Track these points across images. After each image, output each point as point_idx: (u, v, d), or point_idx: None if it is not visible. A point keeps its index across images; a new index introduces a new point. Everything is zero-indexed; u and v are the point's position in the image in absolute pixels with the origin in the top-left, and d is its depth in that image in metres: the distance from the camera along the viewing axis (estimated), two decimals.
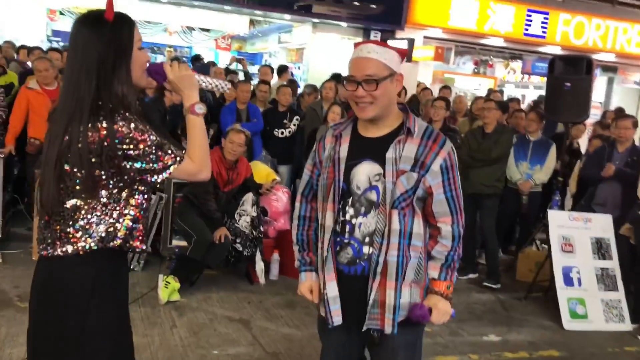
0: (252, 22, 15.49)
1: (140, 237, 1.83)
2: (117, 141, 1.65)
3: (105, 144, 1.65)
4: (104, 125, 1.65)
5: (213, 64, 10.37)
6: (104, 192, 1.72)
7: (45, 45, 11.32)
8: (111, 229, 1.75)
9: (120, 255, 1.83)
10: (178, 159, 1.76)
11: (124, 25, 1.75)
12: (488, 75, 14.53)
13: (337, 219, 2.03)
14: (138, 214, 1.81)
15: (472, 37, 11.52)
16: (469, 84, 13.87)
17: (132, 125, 1.68)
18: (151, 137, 1.71)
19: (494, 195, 5.58)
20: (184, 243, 4.81)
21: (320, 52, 10.79)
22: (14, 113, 5.46)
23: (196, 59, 9.67)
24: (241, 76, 9.04)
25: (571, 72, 5.59)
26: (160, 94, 5.59)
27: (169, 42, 17.64)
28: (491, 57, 13.52)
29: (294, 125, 6.40)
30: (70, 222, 1.71)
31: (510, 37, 11.52)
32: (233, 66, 11.41)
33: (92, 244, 1.72)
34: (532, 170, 5.99)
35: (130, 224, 1.79)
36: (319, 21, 10.33)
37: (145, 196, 1.83)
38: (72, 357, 1.72)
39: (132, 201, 1.79)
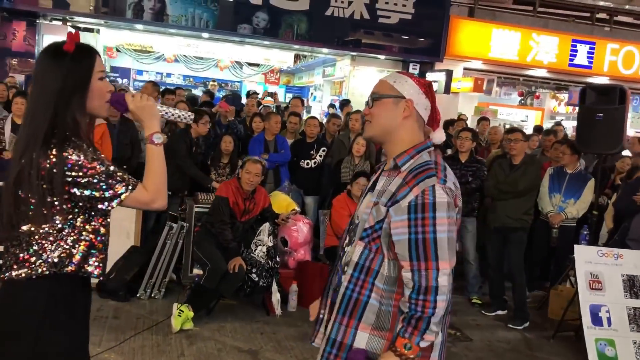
0: (297, 57, 15.83)
1: (97, 263, 1.86)
2: (65, 168, 1.70)
3: (54, 171, 1.70)
4: (54, 152, 1.70)
5: (254, 92, 10.59)
6: (58, 218, 1.76)
7: None
8: (65, 254, 1.78)
9: (76, 282, 1.84)
10: (130, 187, 1.79)
11: (84, 56, 1.82)
12: (535, 107, 14.20)
13: (342, 245, 2.05)
14: (95, 240, 1.84)
15: (514, 68, 11.33)
16: (515, 116, 13.59)
17: (82, 153, 1.73)
18: (101, 165, 1.75)
19: (522, 229, 5.38)
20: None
21: (359, 85, 10.85)
22: None
23: (249, 95, 9.92)
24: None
25: (604, 102, 5.40)
26: (188, 126, 5.75)
27: (220, 77, 18.22)
28: (535, 88, 13.23)
29: (320, 156, 6.42)
30: (25, 247, 1.76)
31: (555, 67, 11.26)
32: (267, 99, 11.61)
33: (45, 270, 1.76)
34: (565, 203, 5.79)
35: (86, 250, 1.82)
36: (357, 54, 10.42)
37: (103, 222, 1.87)
38: None
39: (89, 227, 1.83)
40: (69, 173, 1.71)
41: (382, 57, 10.68)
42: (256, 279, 4.76)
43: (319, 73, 15.83)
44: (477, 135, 6.19)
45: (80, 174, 1.72)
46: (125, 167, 6.12)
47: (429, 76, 10.38)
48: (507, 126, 9.50)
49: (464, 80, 10.67)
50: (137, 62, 17.83)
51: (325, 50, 10.66)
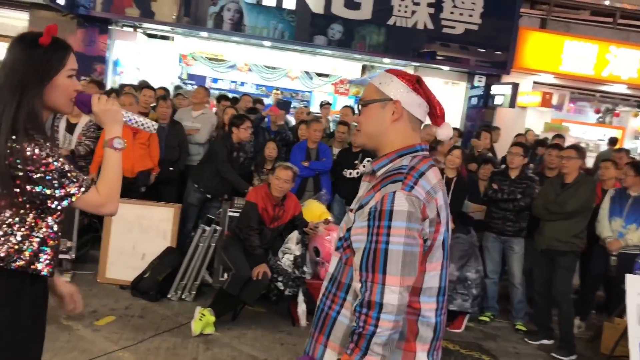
0: (365, 68, 15.72)
1: (48, 261, 1.81)
2: (18, 161, 1.67)
3: (7, 162, 1.67)
4: (9, 144, 1.67)
5: (327, 103, 10.56)
6: (8, 212, 1.73)
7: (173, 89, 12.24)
8: (13, 250, 1.75)
9: (24, 278, 1.80)
10: (82, 189, 1.75)
11: (56, 51, 1.79)
12: (614, 126, 13.30)
13: None
14: (47, 237, 1.80)
15: (588, 83, 10.65)
16: (591, 134, 12.79)
17: (38, 148, 1.69)
18: (56, 163, 1.71)
19: (571, 252, 4.99)
20: None
21: None
22: (100, 144, 5.91)
23: (322, 106, 9.91)
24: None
25: None
26: (229, 131, 5.77)
27: (291, 87, 18.44)
28: (614, 105, 12.39)
29: (364, 166, 6.26)
30: None
31: (635, 83, 10.48)
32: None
33: None
34: (626, 229, 5.32)
35: (37, 247, 1.78)
36: (419, 65, 10.16)
37: (57, 220, 1.83)
38: None
39: (42, 224, 1.79)
40: (22, 166, 1.67)
41: (445, 68, 10.37)
42: (282, 288, 4.67)
43: None
44: (527, 151, 5.82)
45: (33, 168, 1.68)
46: (172, 168, 6.26)
47: (494, 89, 9.95)
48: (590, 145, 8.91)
49: (532, 94, 10.14)
50: (213, 70, 18.35)
51: (386, 60, 10.47)
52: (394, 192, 1.61)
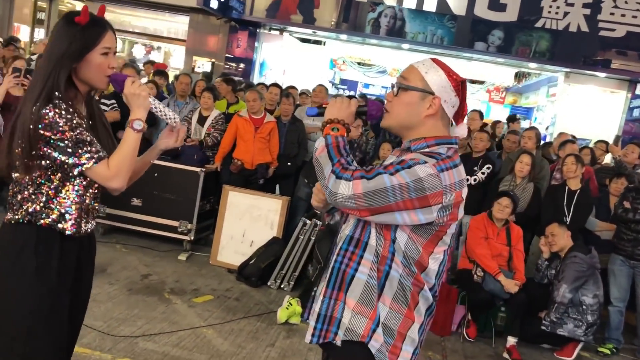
0: (518, 75, 14.86)
1: (72, 221, 1.97)
2: (40, 126, 1.84)
3: (31, 126, 1.85)
4: (34, 110, 1.86)
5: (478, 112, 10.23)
6: (37, 172, 1.91)
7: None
8: (40, 208, 1.92)
9: (53, 235, 1.95)
10: (93, 160, 1.87)
11: (93, 29, 1.94)
12: None
13: (340, 225, 2.02)
14: (72, 201, 1.97)
15: None
16: None
17: (58, 115, 1.84)
18: (72, 131, 1.85)
19: None
20: None
21: (570, 105, 9.75)
22: (225, 136, 6.30)
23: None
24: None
25: None
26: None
27: None
28: None
29: (483, 173, 5.93)
30: (12, 194, 1.97)
31: None
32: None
33: (23, 218, 1.92)
34: None
35: (63, 208, 1.95)
36: (570, 70, 9.37)
37: (83, 184, 1.98)
38: (2, 307, 1.95)
39: (68, 187, 1.95)
40: (42, 132, 1.84)
41: (601, 75, 9.44)
42: None
43: (544, 93, 14.65)
44: None
45: (51, 134, 1.84)
46: (289, 164, 6.47)
47: None
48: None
49: None
50: (364, 75, 18.61)
51: (532, 65, 9.83)
52: (426, 162, 1.68)
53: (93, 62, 1.94)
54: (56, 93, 1.89)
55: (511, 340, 4.58)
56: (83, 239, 2.08)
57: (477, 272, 4.76)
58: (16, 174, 1.95)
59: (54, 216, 1.95)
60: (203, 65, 10.47)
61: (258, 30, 10.59)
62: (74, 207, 1.98)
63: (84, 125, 1.92)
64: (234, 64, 10.22)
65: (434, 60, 1.83)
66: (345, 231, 1.86)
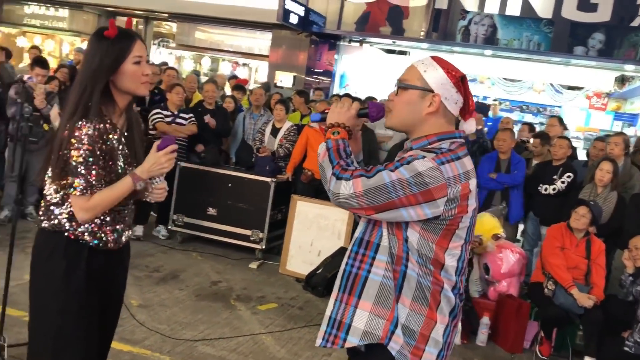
0: (619, 79, 13.90)
1: (97, 234, 2.07)
2: (70, 137, 1.95)
3: (65, 137, 1.96)
4: (69, 124, 1.97)
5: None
6: (65, 180, 2.00)
7: None
8: (65, 219, 2.03)
9: (80, 246, 2.05)
10: (80, 188, 1.96)
11: (123, 41, 2.04)
12: None
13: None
14: None
15: None
16: None
17: (86, 134, 1.95)
18: (89, 155, 1.95)
19: None
20: None
21: None
22: (296, 147, 6.40)
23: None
24: None
25: None
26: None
27: (536, 101, 17.31)
28: None
29: (563, 182, 5.60)
30: (44, 202, 2.10)
31: None
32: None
33: (49, 226, 2.05)
34: None
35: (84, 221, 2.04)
36: None
37: None
38: (32, 305, 2.10)
39: None
40: (68, 144, 1.95)
41: None
42: None
43: None
44: None
45: (72, 147, 1.95)
46: None
47: None
48: None
49: None
50: None
51: (628, 67, 9.16)
52: (424, 156, 1.68)
53: (127, 72, 2.04)
54: (88, 109, 1.98)
55: None
56: (112, 251, 2.17)
57: (549, 285, 4.48)
58: (48, 182, 2.08)
59: (74, 228, 2.04)
60: (283, 80, 10.72)
61: (338, 43, 10.70)
62: (97, 221, 2.06)
63: (103, 153, 2.01)
64: (314, 77, 10.37)
65: (434, 58, 1.81)
66: (356, 234, 1.86)
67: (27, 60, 10.40)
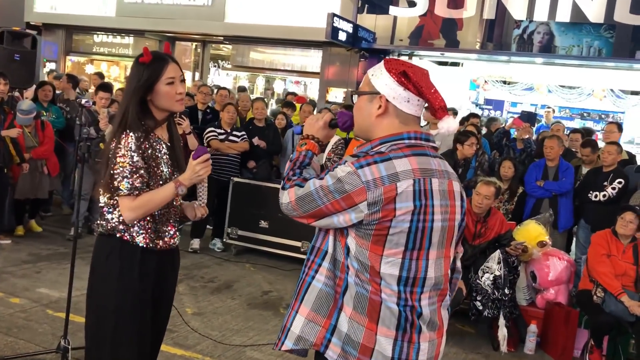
0: None
1: (143, 235, 2.28)
2: (118, 147, 2.20)
3: (112, 148, 2.23)
4: (115, 136, 2.24)
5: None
6: (114, 188, 2.24)
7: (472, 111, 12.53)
8: (116, 222, 2.26)
9: (133, 248, 2.27)
10: (126, 189, 2.18)
11: (157, 64, 2.28)
12: None
13: None
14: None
15: None
16: None
17: (129, 143, 2.19)
18: (133, 160, 2.18)
19: None
20: None
21: None
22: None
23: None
24: None
25: None
26: (454, 147, 5.77)
27: (598, 108, 16.81)
28: None
29: (614, 188, 5.50)
30: (100, 210, 2.35)
31: None
32: None
33: (103, 230, 2.29)
34: None
35: (133, 223, 2.26)
36: None
37: None
38: (90, 304, 2.34)
39: None
40: (114, 155, 2.20)
41: None
42: (480, 308, 4.49)
43: None
44: None
45: (117, 157, 2.19)
46: None
47: None
48: None
49: None
50: (510, 94, 17.93)
51: None
52: (345, 161, 1.70)
53: (161, 91, 2.28)
54: (129, 124, 2.23)
55: None
56: (163, 252, 2.38)
57: (597, 292, 4.42)
58: (102, 192, 2.32)
59: (125, 230, 2.27)
60: (337, 96, 10.94)
61: (386, 57, 10.83)
62: (141, 222, 2.28)
63: (147, 159, 2.24)
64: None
65: (385, 61, 1.80)
66: (312, 243, 1.87)
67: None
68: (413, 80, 1.72)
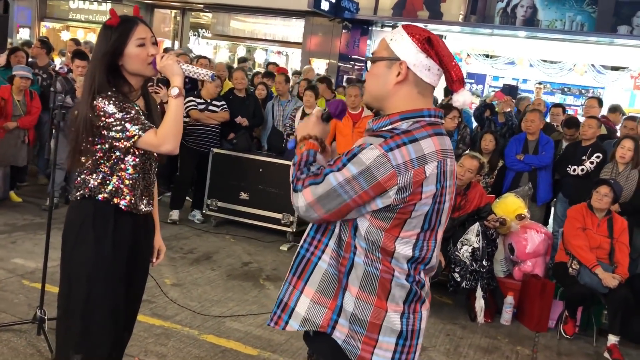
0: None
1: (127, 197, 2.25)
2: (95, 114, 2.14)
3: (89, 115, 2.17)
4: (89, 101, 2.17)
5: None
6: (98, 155, 2.22)
7: None
8: (98, 183, 2.23)
9: (109, 209, 2.25)
10: (141, 132, 2.14)
11: (124, 26, 2.20)
12: None
13: None
14: (124, 177, 2.25)
15: None
16: None
17: (108, 102, 2.14)
18: (121, 112, 2.13)
19: None
20: None
21: None
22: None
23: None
24: None
25: None
26: None
27: (579, 83, 16.91)
28: None
29: (592, 163, 5.55)
30: (78, 175, 2.30)
31: None
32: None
33: (84, 194, 2.25)
34: None
35: (117, 183, 2.24)
36: None
37: (133, 162, 2.25)
38: (63, 272, 2.30)
39: (122, 165, 2.24)
40: (97, 118, 2.14)
41: None
42: (458, 279, 4.54)
43: None
44: None
45: (104, 118, 2.14)
46: None
47: None
48: None
49: None
50: (492, 67, 17.92)
51: None
52: (371, 144, 1.58)
53: (131, 54, 2.20)
54: (101, 87, 2.17)
55: (612, 339, 4.27)
56: (139, 217, 2.35)
57: (573, 264, 4.49)
58: (83, 159, 2.27)
59: (109, 190, 2.23)
60: (319, 67, 10.83)
61: (370, 29, 10.74)
62: (127, 182, 2.25)
63: (133, 107, 2.19)
64: (347, 63, 10.44)
65: (404, 26, 1.70)
66: None
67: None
68: (436, 49, 1.65)
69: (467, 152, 4.87)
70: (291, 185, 1.68)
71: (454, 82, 1.70)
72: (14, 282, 4.28)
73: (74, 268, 2.26)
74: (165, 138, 2.16)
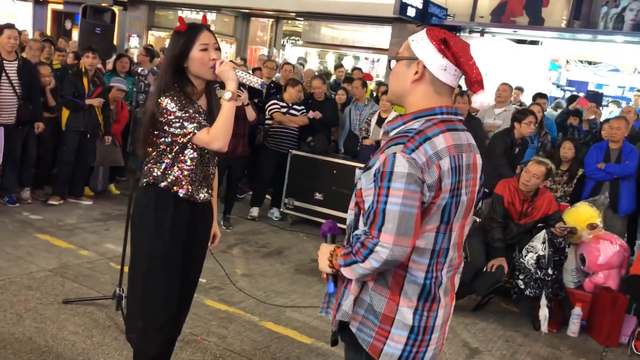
0: None
1: (185, 186, 2.51)
2: (159, 111, 2.42)
3: (155, 111, 2.44)
4: (156, 99, 2.45)
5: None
6: (162, 147, 2.49)
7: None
8: (161, 173, 2.50)
9: (169, 196, 2.50)
10: (196, 130, 2.39)
11: (190, 32, 2.46)
12: None
13: None
14: (183, 168, 2.51)
15: None
16: None
17: (172, 101, 2.39)
18: (181, 111, 2.39)
19: None
20: None
21: None
22: None
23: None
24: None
25: None
26: (511, 126, 5.68)
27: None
28: None
29: None
30: (145, 163, 2.59)
31: None
32: None
33: (149, 181, 2.52)
34: None
35: (177, 173, 2.51)
36: None
37: (192, 155, 2.51)
38: (131, 251, 2.60)
39: (182, 157, 2.50)
40: (160, 115, 2.42)
41: None
42: (522, 286, 4.48)
43: None
44: None
45: (166, 115, 2.41)
46: None
47: None
48: None
49: None
50: (595, 75, 17.05)
51: None
52: (395, 154, 1.64)
53: (195, 57, 2.45)
54: (168, 87, 2.44)
55: None
56: (197, 205, 2.60)
57: None
58: (149, 150, 2.56)
59: (170, 179, 2.50)
60: None
61: (457, 34, 10.63)
62: (186, 173, 2.51)
63: (192, 106, 2.44)
64: None
65: (427, 28, 1.80)
66: (347, 223, 1.87)
67: None
68: (452, 49, 1.72)
69: (534, 158, 4.77)
70: (358, 269, 1.68)
71: (473, 83, 1.77)
72: (102, 263, 4.75)
73: (137, 246, 2.57)
74: (215, 137, 2.39)
